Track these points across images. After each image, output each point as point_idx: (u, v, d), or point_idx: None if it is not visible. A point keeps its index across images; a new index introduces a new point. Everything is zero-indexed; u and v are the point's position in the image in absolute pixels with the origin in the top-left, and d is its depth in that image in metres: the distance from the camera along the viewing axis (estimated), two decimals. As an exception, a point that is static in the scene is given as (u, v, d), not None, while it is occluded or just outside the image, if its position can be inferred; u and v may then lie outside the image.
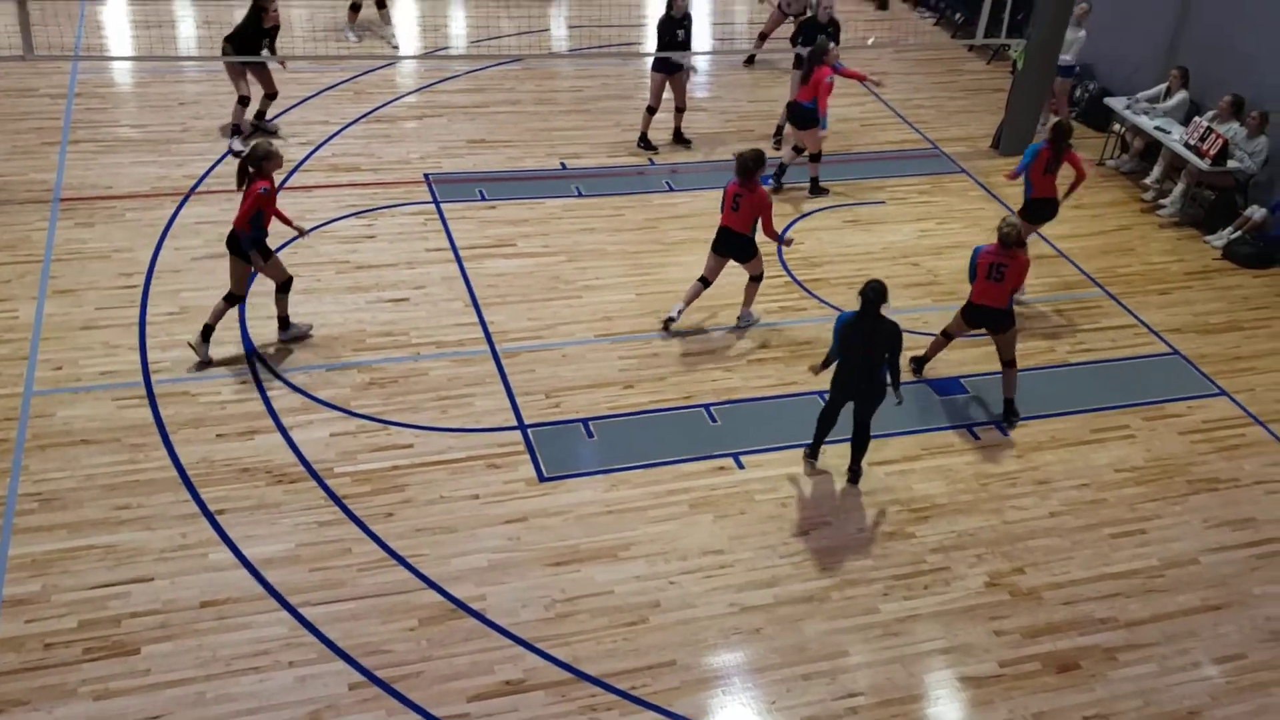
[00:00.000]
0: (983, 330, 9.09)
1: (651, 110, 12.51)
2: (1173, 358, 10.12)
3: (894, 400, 8.01)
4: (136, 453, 7.97)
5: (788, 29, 14.35)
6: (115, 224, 10.44)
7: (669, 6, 12.10)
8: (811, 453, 8.44)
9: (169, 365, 8.82)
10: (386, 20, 14.61)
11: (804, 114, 11.56)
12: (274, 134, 12.08)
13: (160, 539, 7.31)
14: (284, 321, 9.17)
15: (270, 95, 12.03)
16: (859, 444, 8.26)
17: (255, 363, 8.95)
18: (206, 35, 14.04)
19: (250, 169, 8.49)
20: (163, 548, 7.25)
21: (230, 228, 8.69)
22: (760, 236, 9.50)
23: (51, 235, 10.18)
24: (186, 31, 14.45)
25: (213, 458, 8.01)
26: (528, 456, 8.30)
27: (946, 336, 9.35)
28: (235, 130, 11.78)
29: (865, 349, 7.80)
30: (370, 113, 12.91)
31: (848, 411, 8.17)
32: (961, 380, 9.58)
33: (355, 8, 14.36)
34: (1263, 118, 11.64)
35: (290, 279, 9.03)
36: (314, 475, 7.94)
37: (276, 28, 11.69)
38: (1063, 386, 9.65)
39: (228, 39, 11.61)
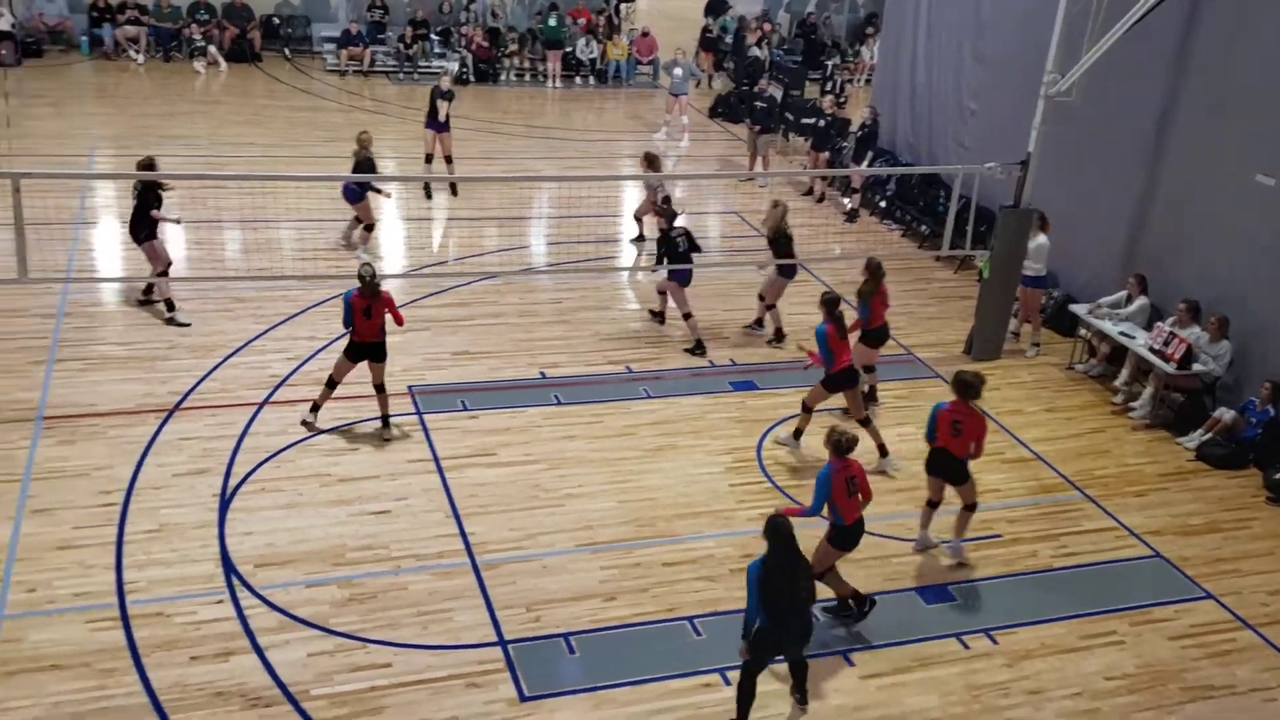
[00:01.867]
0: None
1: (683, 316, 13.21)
2: (1155, 560, 10.12)
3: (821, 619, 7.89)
4: (106, 678, 7.75)
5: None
6: (97, 441, 10.47)
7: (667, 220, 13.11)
8: None
9: (145, 585, 8.69)
10: (363, 240, 15.07)
11: None
12: (174, 322, 12.64)
13: (127, 771, 7.04)
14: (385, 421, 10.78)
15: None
16: (800, 676, 8.00)
17: (233, 580, 8.82)
18: (197, 255, 14.44)
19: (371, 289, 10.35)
20: (129, 780, 6.97)
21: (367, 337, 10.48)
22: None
23: (32, 454, 10.17)
24: (176, 252, 14.83)
25: (186, 682, 7.79)
26: (508, 674, 8.11)
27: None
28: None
29: (791, 589, 7.31)
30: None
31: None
32: (949, 588, 9.52)
33: (369, 228, 14.94)
34: (1222, 322, 12.02)
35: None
36: (290, 699, 7.72)
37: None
38: (1048, 591, 9.60)
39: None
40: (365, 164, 14.43)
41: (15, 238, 10.67)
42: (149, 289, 12.78)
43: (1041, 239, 13.49)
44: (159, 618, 8.37)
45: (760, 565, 7.27)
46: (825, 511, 8.43)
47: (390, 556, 9.28)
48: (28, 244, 10.90)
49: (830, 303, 10.75)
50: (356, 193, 14.68)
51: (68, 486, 9.79)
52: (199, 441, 10.58)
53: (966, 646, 8.83)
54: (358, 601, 8.71)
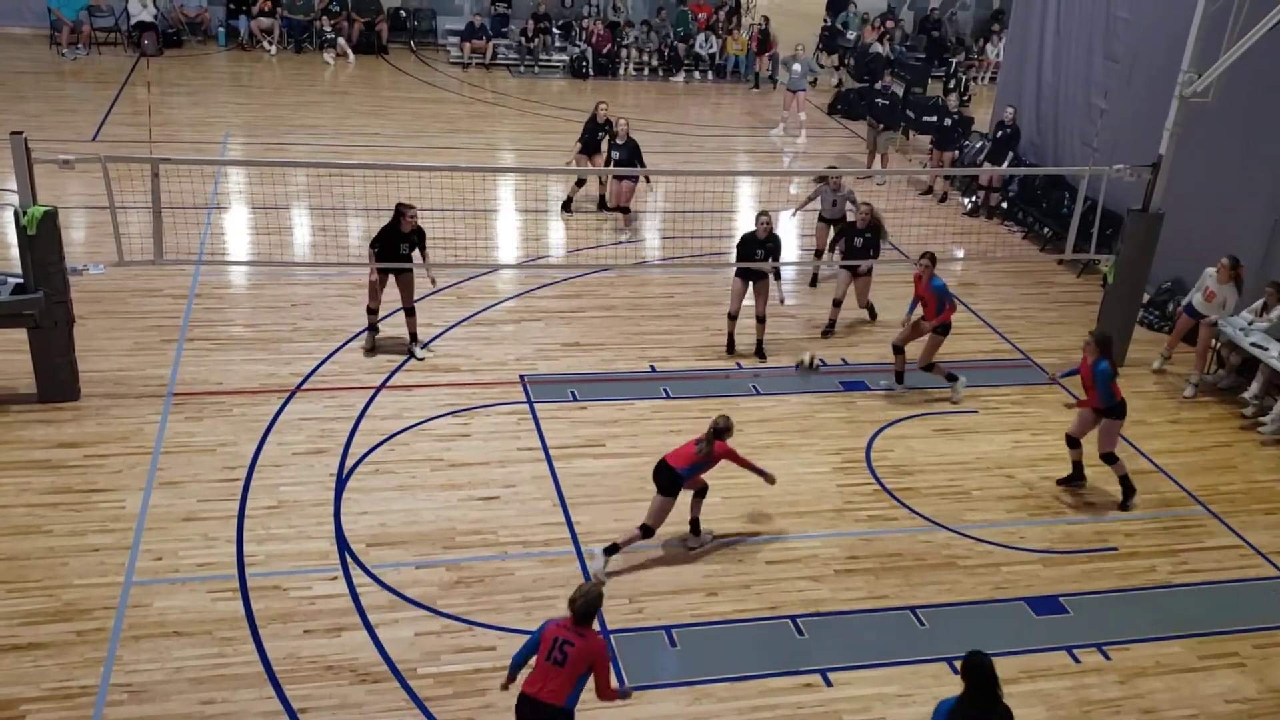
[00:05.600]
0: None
1: (731, 317, 12.81)
2: (1283, 581, 9.71)
3: None
4: (225, 646, 8.06)
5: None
6: (223, 419, 10.87)
7: (756, 223, 12.53)
8: None
9: (263, 559, 9.00)
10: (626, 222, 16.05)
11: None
12: (413, 356, 12.27)
13: (242, 736, 7.31)
14: (694, 525, 9.55)
15: (408, 310, 12.13)
16: None
17: (347, 558, 9.09)
18: (321, 241, 14.88)
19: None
20: (244, 746, 7.23)
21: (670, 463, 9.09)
22: None
23: (163, 428, 10.62)
24: (301, 238, 15.32)
25: (299, 654, 8.05)
26: (610, 664, 8.17)
27: None
28: (371, 327, 12.24)
29: None
30: (471, 316, 13.42)
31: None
32: (1060, 599, 9.28)
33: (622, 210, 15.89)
34: (1364, 336, 11.46)
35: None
36: (397, 675, 7.92)
37: (417, 232, 11.88)
38: (1166, 608, 9.28)
39: (372, 244, 11.96)
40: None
41: (152, 221, 11.13)
42: (412, 337, 12.39)
43: (1229, 290, 12.61)
44: (276, 590, 8.66)
45: (947, 707, 6.24)
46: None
47: (498, 542, 9.44)
48: (164, 227, 11.36)
49: (1106, 341, 10.31)
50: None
51: (194, 461, 10.19)
52: (318, 422, 10.91)
53: (1078, 661, 8.60)
54: (464, 585, 8.88)
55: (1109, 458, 10.38)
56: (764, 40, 25.42)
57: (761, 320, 12.86)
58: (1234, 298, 12.75)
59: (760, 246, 12.49)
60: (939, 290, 11.74)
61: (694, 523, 9.59)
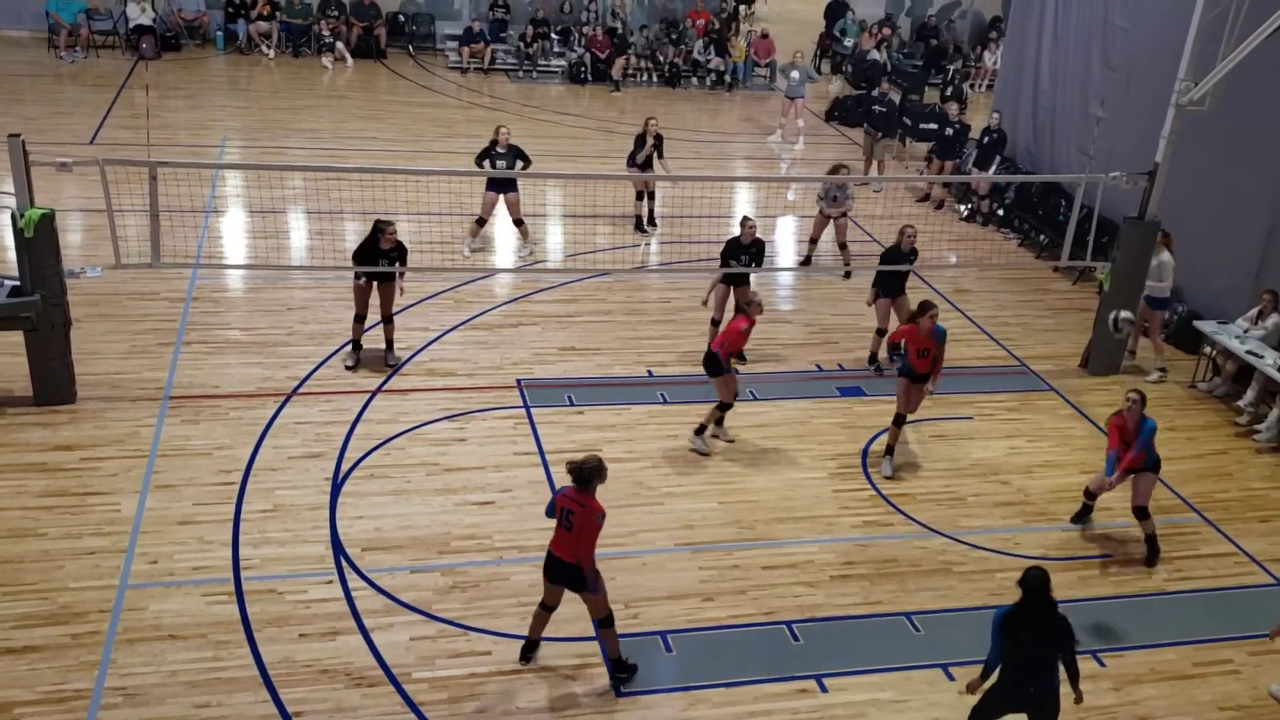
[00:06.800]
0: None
1: (714, 322, 12.84)
2: (1277, 589, 9.72)
3: (1075, 699, 7.09)
4: (221, 650, 8.06)
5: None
6: (219, 422, 10.86)
7: (741, 228, 12.55)
8: None
9: (259, 562, 8.99)
10: (524, 235, 15.34)
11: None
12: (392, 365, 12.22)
13: (236, 740, 7.30)
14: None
15: (386, 319, 12.14)
16: None
17: (342, 562, 9.08)
18: (318, 245, 14.88)
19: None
20: (238, 749, 7.23)
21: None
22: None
23: (159, 432, 10.61)
24: (299, 242, 15.32)
25: (294, 658, 8.05)
26: (605, 669, 8.18)
27: None
28: (355, 345, 12.19)
29: (1032, 648, 6.87)
30: (468, 320, 13.42)
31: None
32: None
33: (480, 222, 15.14)
34: (1359, 344, 11.49)
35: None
36: (392, 680, 7.92)
37: (397, 249, 11.80)
38: (1161, 615, 9.31)
39: (353, 258, 11.96)
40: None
41: (150, 224, 11.13)
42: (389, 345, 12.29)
43: (1165, 256, 13.04)
44: (271, 594, 8.66)
45: (1005, 612, 6.97)
46: None
47: (494, 547, 9.44)
48: (161, 230, 11.36)
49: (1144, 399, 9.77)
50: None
51: (190, 465, 10.18)
52: (314, 426, 10.91)
53: (1072, 667, 8.60)
54: (460, 590, 8.89)
55: (1141, 512, 9.93)
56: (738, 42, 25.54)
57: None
58: (1170, 263, 13.00)
59: (744, 252, 12.51)
60: (940, 337, 10.75)
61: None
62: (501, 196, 14.95)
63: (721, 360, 10.79)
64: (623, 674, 8.11)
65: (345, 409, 11.26)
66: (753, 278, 12.97)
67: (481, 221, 15.10)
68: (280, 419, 11.02)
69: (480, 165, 14.81)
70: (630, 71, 25.31)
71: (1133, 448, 9.61)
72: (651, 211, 16.79)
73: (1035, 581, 6.87)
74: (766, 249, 12.93)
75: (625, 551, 9.49)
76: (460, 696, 7.84)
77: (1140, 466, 9.75)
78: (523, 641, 8.26)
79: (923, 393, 10.85)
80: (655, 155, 16.17)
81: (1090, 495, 10.32)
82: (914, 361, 10.72)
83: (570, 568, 7.71)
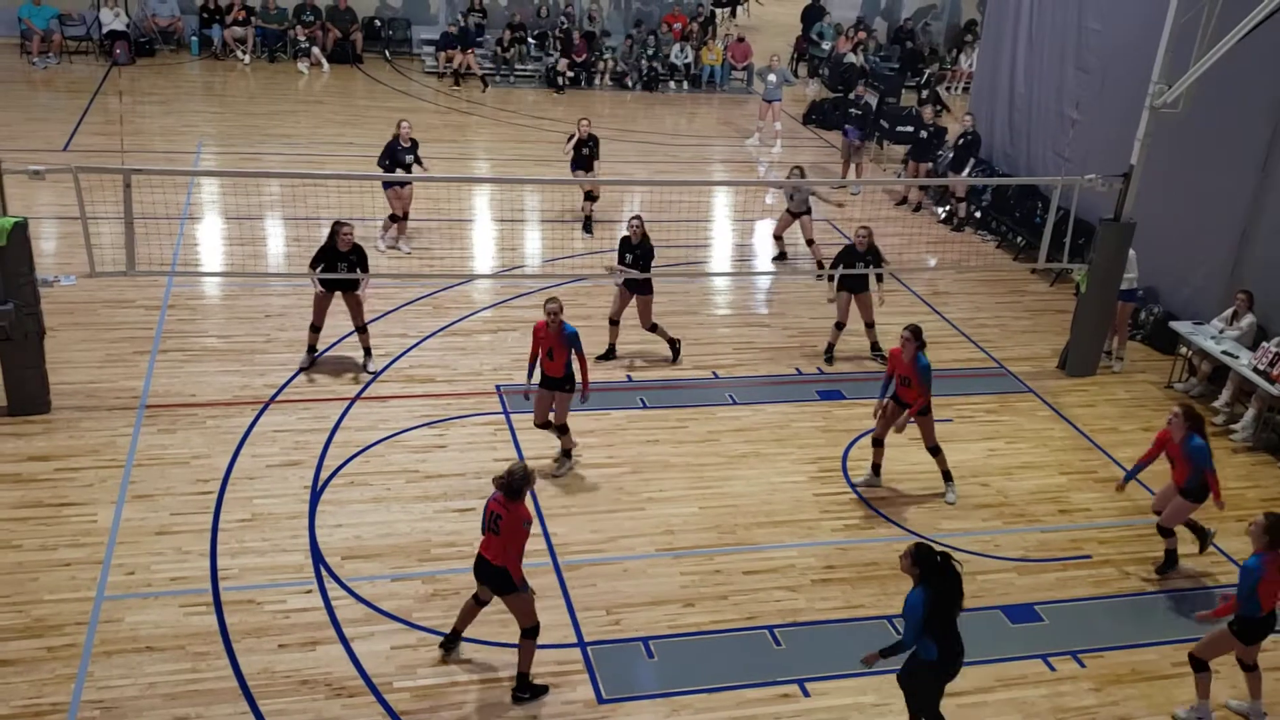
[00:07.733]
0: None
1: (613, 322, 12.90)
2: (1255, 588, 9.77)
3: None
4: (199, 661, 7.99)
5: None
6: (196, 431, 10.78)
7: (628, 226, 12.63)
8: None
9: (237, 572, 8.93)
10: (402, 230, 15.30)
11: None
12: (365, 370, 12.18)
13: (215, 753, 7.24)
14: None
15: (359, 329, 12.09)
16: None
17: (322, 571, 9.02)
18: (295, 252, 14.80)
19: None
20: (217, 762, 7.17)
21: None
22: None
23: (135, 441, 10.52)
24: (275, 248, 15.24)
25: (274, 668, 7.99)
26: (587, 676, 8.16)
27: None
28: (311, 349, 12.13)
29: (956, 611, 7.20)
30: (447, 326, 13.37)
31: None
32: (1035, 607, 9.32)
33: (394, 218, 15.10)
34: (1333, 343, 11.58)
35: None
36: (373, 689, 7.87)
37: (355, 251, 11.78)
38: (1140, 616, 9.36)
39: (311, 264, 11.85)
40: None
41: (125, 232, 11.04)
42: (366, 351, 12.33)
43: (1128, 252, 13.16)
44: (250, 605, 8.59)
45: (919, 597, 7.13)
46: None
47: (474, 554, 9.36)
48: (136, 238, 11.27)
49: (1194, 415, 9.55)
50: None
51: (167, 474, 10.10)
52: (292, 434, 10.84)
53: (1052, 668, 8.64)
54: (440, 597, 8.84)
55: (1166, 531, 9.82)
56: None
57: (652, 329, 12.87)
58: (1132, 256, 13.14)
59: (630, 251, 12.50)
60: (924, 370, 10.23)
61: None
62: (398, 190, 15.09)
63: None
64: (524, 694, 7.90)
65: (324, 416, 11.20)
66: (729, 281, 12.97)
67: (395, 217, 15.18)
68: (258, 427, 10.95)
69: (384, 165, 14.94)
70: (614, 75, 25.32)
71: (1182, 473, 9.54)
72: (588, 216, 16.58)
73: (931, 553, 7.14)
74: (655, 253, 12.74)
75: (606, 558, 9.47)
76: (441, 705, 7.80)
77: (1184, 491, 9.59)
78: (500, 647, 8.23)
79: (903, 420, 10.37)
80: (592, 157, 16.25)
81: (1165, 534, 9.87)
82: (897, 389, 10.46)
83: (497, 570, 7.73)
